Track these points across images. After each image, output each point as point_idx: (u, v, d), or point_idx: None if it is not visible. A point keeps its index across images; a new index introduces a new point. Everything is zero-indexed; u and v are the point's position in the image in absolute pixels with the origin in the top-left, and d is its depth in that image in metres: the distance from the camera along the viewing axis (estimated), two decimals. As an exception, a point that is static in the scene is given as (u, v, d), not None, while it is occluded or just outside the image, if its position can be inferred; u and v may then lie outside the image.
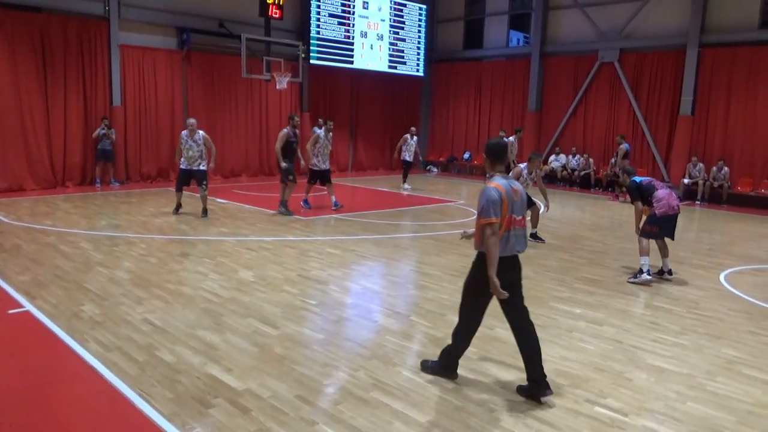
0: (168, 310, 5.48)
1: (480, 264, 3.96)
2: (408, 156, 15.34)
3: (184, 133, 10.08)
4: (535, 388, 3.93)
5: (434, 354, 4.66)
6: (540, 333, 5.15)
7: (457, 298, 6.06)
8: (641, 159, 16.64)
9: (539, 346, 4.03)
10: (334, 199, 11.39)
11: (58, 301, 5.61)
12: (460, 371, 4.32)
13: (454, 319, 5.45)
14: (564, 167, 17.80)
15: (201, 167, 10.05)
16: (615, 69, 16.83)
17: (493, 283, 3.77)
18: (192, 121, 10.13)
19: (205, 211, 10.25)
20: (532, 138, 18.40)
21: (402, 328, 5.28)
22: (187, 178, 10.21)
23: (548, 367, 4.46)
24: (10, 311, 5.35)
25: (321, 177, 11.29)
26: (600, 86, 17.33)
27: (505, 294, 3.82)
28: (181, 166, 10.07)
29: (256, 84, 16.54)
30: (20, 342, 4.72)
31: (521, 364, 4.11)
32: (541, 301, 6.17)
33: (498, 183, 3.89)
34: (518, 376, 4.30)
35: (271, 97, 17.21)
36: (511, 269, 4.01)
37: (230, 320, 5.27)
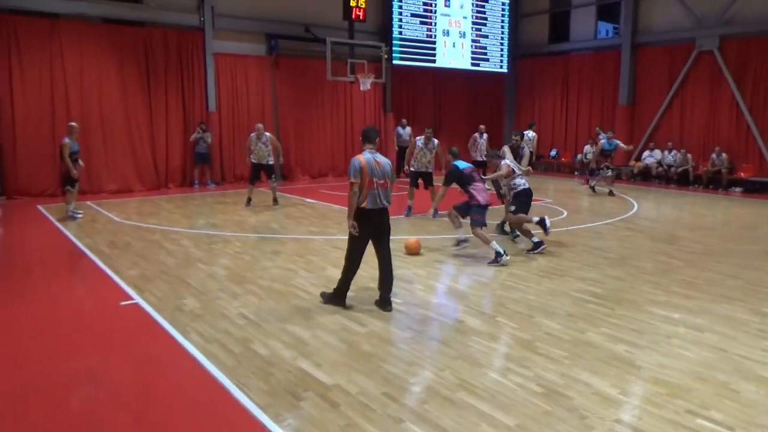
0: (261, 306, 5.73)
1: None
2: (479, 155, 14.35)
3: (252, 135, 11.40)
4: (381, 304, 5.64)
5: (521, 356, 4.59)
6: (635, 338, 4.98)
7: (545, 300, 5.97)
8: (746, 154, 15.43)
9: (392, 277, 5.66)
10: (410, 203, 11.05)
11: (162, 295, 6.02)
12: (552, 376, 4.24)
13: (543, 321, 5.38)
14: (659, 163, 16.85)
15: (269, 162, 11.41)
16: (715, 58, 15.71)
17: (349, 223, 5.40)
18: (260, 126, 11.48)
19: (275, 200, 11.66)
20: (624, 133, 17.58)
21: (488, 328, 5.23)
22: (258, 172, 11.54)
23: (645, 374, 4.29)
24: (122, 303, 5.81)
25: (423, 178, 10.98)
26: (698, 77, 16.23)
27: (355, 229, 5.37)
28: (252, 161, 11.39)
29: (340, 86, 16.91)
30: (131, 332, 5.12)
31: (615, 371, 4.12)
32: (636, 304, 5.89)
33: (362, 156, 5.47)
34: (612, 383, 4.14)
35: (356, 99, 17.52)
36: (378, 218, 5.46)
37: (319, 316, 5.44)
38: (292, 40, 16.06)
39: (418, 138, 11.07)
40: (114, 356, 4.60)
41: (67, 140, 9.75)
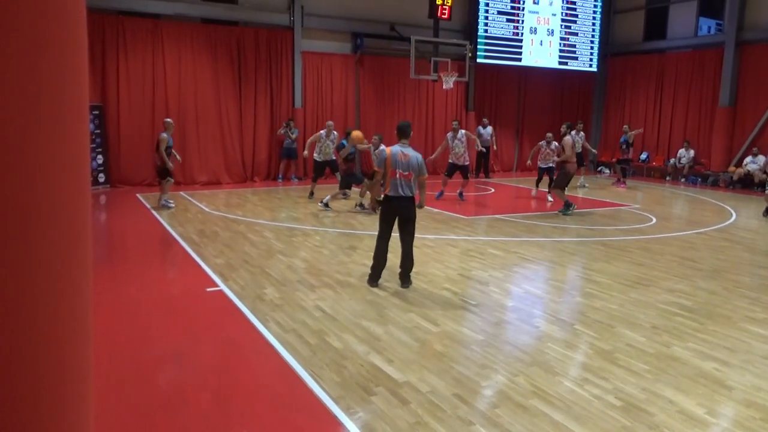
0: (337, 299, 5.86)
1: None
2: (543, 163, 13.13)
3: (322, 132, 11.94)
4: (400, 279, 6.27)
5: (599, 367, 4.42)
6: (727, 356, 4.66)
7: (629, 310, 5.72)
8: None
9: (411, 259, 6.22)
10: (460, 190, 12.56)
11: (245, 284, 6.29)
12: (632, 390, 4.05)
13: (625, 332, 5.15)
14: (764, 171, 15.60)
15: (334, 158, 11.88)
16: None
17: (372, 200, 6.55)
18: (330, 123, 12.13)
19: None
20: (723, 136, 16.44)
21: (565, 336, 5.07)
22: (323, 169, 12.16)
23: (737, 396, 4.01)
24: (208, 289, 6.13)
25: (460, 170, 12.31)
26: (813, 77, 14.89)
27: (374, 209, 5.52)
28: (317, 159, 11.90)
29: (423, 84, 16.92)
30: (214, 317, 5.39)
31: (702, 389, 3.94)
32: (730, 320, 5.51)
33: (390, 148, 6.14)
34: (699, 401, 3.91)
35: (438, 97, 17.48)
36: (399, 205, 6.05)
37: (393, 313, 5.49)
38: (377, 38, 16.24)
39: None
40: (198, 340, 4.86)
41: (164, 135, 10.32)
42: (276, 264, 7.12)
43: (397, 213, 6.12)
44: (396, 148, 6.10)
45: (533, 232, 9.40)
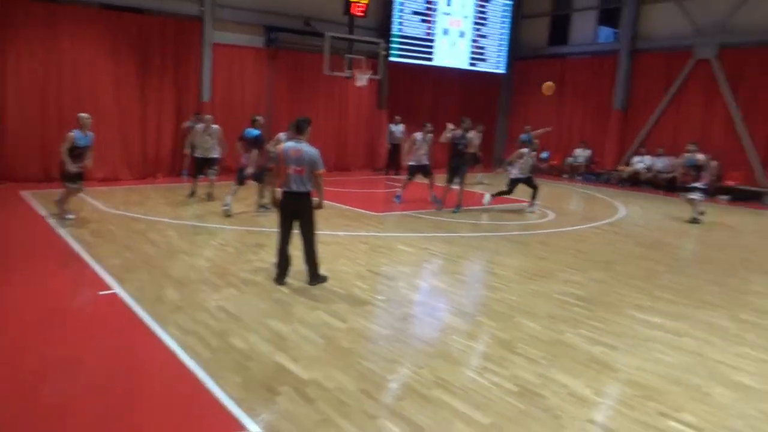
0: (242, 299, 5.71)
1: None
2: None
3: (199, 126, 11.44)
4: (308, 275, 6.24)
5: (499, 356, 4.59)
6: (613, 341, 5.00)
7: (527, 301, 5.99)
8: (735, 163, 15.49)
9: (312, 256, 6.21)
10: (433, 193, 11.84)
11: (143, 286, 5.98)
12: (529, 376, 4.27)
13: (523, 322, 5.39)
14: (648, 169, 16.90)
15: (213, 155, 11.38)
16: (711, 66, 15.76)
17: (273, 198, 6.40)
18: (209, 117, 11.63)
19: (210, 195, 11.28)
20: (616, 137, 17.62)
21: (468, 328, 5.23)
22: (202, 167, 11.48)
23: (621, 376, 4.30)
24: (101, 293, 5.77)
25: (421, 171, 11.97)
26: (694, 85, 16.25)
27: (276, 206, 6.22)
28: (197, 155, 11.38)
29: (337, 81, 16.85)
30: (108, 322, 5.08)
31: (591, 372, 4.23)
32: (618, 308, 5.91)
33: (283, 144, 6.30)
34: (587, 383, 4.16)
35: (351, 94, 17.48)
36: (292, 201, 6.06)
37: (299, 311, 5.42)
38: (292, 33, 15.98)
39: (417, 133, 11.92)
40: (89, 347, 4.57)
41: (71, 133, 8.70)
42: (178, 264, 6.83)
43: (292, 209, 6.09)
44: (289, 144, 6.10)
45: (441, 228, 9.64)
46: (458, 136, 11.23)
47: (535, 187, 11.76)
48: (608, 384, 4.20)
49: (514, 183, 11.87)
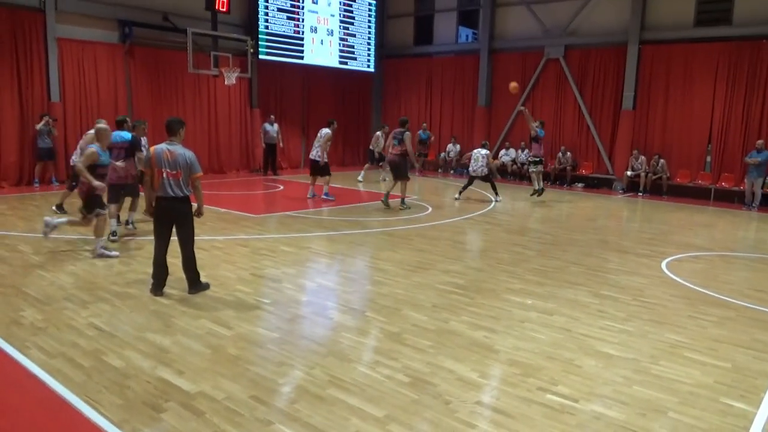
0: (115, 314, 5.29)
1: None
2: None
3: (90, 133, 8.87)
4: (190, 284, 5.93)
5: (389, 349, 4.68)
6: (493, 324, 5.31)
7: (412, 293, 6.16)
8: (586, 153, 17.15)
9: (190, 262, 5.88)
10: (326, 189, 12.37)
11: (-5, 308, 5.34)
12: (418, 365, 4.38)
13: (410, 313, 5.54)
14: (514, 161, 18.15)
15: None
16: (561, 65, 17.28)
17: (148, 206, 5.90)
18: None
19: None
20: (482, 132, 18.69)
21: (357, 324, 5.28)
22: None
23: (502, 357, 4.58)
24: (-57, 320, 5.06)
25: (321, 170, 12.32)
26: (547, 82, 17.75)
27: (150, 214, 5.85)
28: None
29: (203, 80, 16.16)
30: (-46, 352, 4.47)
31: (475, 356, 4.44)
32: (494, 293, 6.28)
33: (154, 147, 5.79)
34: (473, 367, 4.37)
35: (220, 93, 16.85)
36: (169, 206, 5.71)
37: (181, 322, 5.14)
38: (149, 28, 15.02)
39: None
40: (-68, 381, 3.98)
41: (93, 148, 7.10)
42: (36, 281, 6.17)
43: (169, 215, 5.74)
44: (161, 147, 5.72)
45: (323, 227, 9.62)
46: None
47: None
48: (491, 366, 4.45)
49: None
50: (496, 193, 13.35)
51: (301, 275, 6.87)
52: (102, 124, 7.63)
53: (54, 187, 13.10)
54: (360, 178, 16.12)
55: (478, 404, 3.83)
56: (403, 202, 11.66)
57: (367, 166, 16.63)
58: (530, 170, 13.87)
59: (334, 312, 5.61)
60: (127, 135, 8.35)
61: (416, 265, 7.37)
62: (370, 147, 16.51)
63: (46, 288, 5.95)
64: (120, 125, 8.52)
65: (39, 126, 12.88)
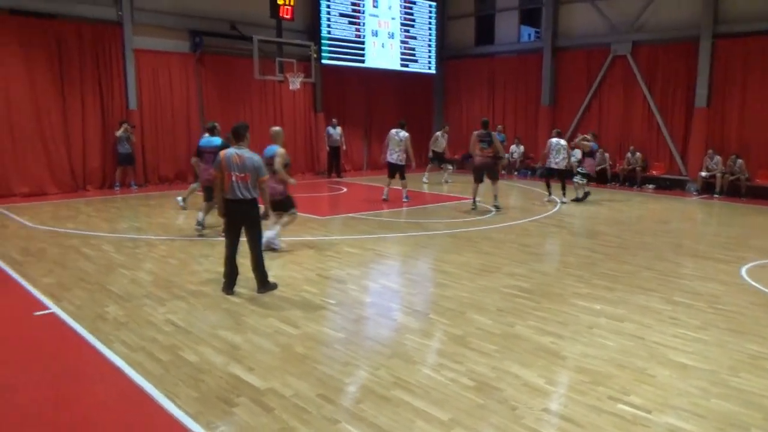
0: (190, 311, 5.55)
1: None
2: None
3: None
4: (259, 284, 6.12)
5: (453, 352, 4.68)
6: (560, 329, 5.20)
7: (477, 296, 6.12)
8: (657, 153, 16.47)
9: (258, 264, 6.07)
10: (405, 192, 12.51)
11: (82, 303, 5.70)
12: (484, 369, 4.36)
13: (474, 317, 5.51)
14: (580, 162, 17.61)
15: None
16: (628, 62, 16.67)
17: (219, 208, 6.09)
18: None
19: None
20: (546, 133, 18.27)
21: (421, 326, 5.30)
22: None
23: (570, 364, 4.48)
24: (36, 313, 5.46)
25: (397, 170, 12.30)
26: (613, 79, 17.16)
27: (222, 216, 6.07)
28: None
29: (269, 85, 16.63)
30: (47, 344, 4.81)
31: (542, 362, 4.37)
32: (561, 297, 6.15)
33: (224, 151, 6.01)
34: (539, 373, 4.30)
35: (285, 98, 17.29)
36: (238, 209, 5.93)
37: (251, 320, 5.33)
38: (218, 37, 15.62)
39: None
40: (28, 371, 4.30)
41: (281, 149, 7.59)
42: (118, 279, 6.55)
43: (238, 217, 5.96)
44: (230, 151, 5.95)
45: (387, 228, 9.70)
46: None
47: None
48: (558, 372, 4.36)
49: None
50: (564, 194, 13.03)
51: (365, 276, 6.96)
52: (277, 128, 8.26)
53: (133, 191, 13.85)
54: (425, 179, 16.14)
55: (546, 411, 3.77)
56: (496, 200, 11.56)
57: (429, 167, 16.61)
58: (576, 180, 13.46)
59: (398, 314, 5.66)
60: (217, 140, 8.86)
61: (481, 267, 7.31)
62: (432, 148, 16.44)
63: (127, 285, 6.31)
64: (210, 131, 9.08)
65: (118, 133, 13.66)
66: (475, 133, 11.65)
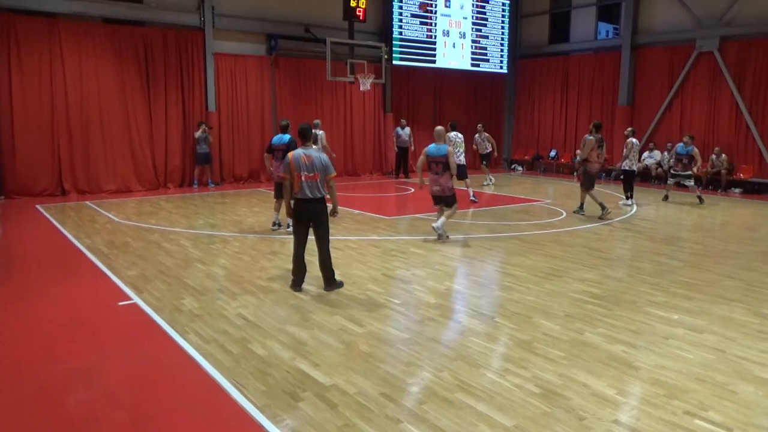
0: (260, 306, 5.73)
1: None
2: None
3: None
4: (324, 281, 6.24)
5: (519, 357, 4.59)
6: (633, 338, 4.98)
7: (544, 300, 5.97)
8: (745, 155, 15.44)
9: (326, 263, 6.19)
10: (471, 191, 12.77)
11: (161, 295, 6.02)
12: (550, 376, 4.26)
13: (541, 321, 5.37)
14: (659, 164, 16.83)
15: None
16: (715, 58, 15.72)
17: (287, 207, 6.25)
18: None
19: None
20: (623, 133, 17.55)
21: (486, 329, 5.23)
22: None
23: (643, 375, 4.28)
24: (120, 303, 5.81)
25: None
26: (698, 77, 16.24)
27: (291, 216, 6.25)
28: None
29: (340, 86, 16.91)
30: (129, 332, 5.11)
31: (612, 371, 4.21)
32: (635, 305, 5.89)
33: (292, 152, 6.14)
34: (610, 383, 4.14)
35: (355, 99, 17.54)
36: (307, 207, 6.06)
37: (317, 317, 5.44)
38: (292, 40, 16.07)
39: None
40: (111, 356, 4.60)
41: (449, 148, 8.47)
42: (194, 273, 6.87)
43: (306, 215, 6.10)
44: (298, 152, 6.09)
45: (453, 230, 9.62)
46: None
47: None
48: (630, 383, 4.18)
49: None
50: (631, 195, 12.53)
51: (430, 277, 6.94)
52: (440, 127, 8.80)
53: (210, 189, 14.48)
54: (486, 182, 15.90)
55: (615, 423, 3.62)
56: (603, 207, 10.93)
57: (487, 169, 16.20)
58: (688, 184, 13.30)
59: (462, 316, 5.60)
60: (286, 137, 8.97)
61: (548, 271, 7.12)
62: (479, 151, 15.90)
63: (202, 279, 6.61)
64: (284, 129, 9.17)
65: (197, 134, 14.32)
66: (592, 137, 10.75)
